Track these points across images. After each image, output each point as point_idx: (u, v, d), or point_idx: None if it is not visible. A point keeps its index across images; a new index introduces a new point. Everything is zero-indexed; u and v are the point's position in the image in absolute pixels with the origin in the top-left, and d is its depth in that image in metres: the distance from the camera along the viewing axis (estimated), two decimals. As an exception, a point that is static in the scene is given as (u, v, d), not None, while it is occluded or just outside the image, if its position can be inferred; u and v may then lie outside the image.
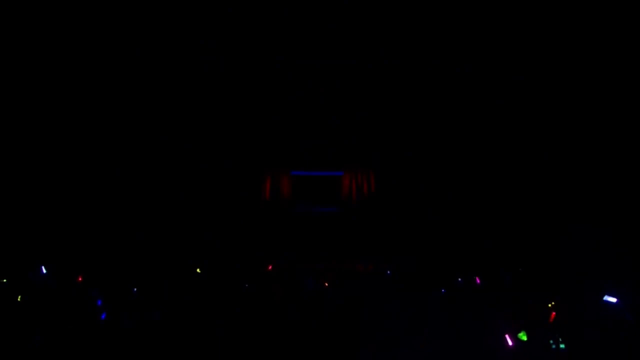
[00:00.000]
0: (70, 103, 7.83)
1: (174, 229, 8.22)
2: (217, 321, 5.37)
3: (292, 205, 8.91)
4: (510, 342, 4.40)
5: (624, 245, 6.33)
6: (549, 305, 4.95)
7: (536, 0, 6.75)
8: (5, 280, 5.73)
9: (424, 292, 5.97)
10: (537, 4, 6.76)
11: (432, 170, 8.54)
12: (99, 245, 7.65)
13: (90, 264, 6.94)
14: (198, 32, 7.34)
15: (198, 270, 6.98)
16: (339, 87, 8.27)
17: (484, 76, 7.77)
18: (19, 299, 5.25)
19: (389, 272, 7.51)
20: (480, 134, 8.28)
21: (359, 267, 8.12)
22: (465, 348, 4.61)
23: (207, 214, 8.47)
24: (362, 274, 7.95)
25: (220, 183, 8.65)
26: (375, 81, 8.14)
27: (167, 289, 6.05)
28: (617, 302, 4.49)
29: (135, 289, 5.95)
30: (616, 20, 6.58)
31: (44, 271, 5.95)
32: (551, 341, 4.37)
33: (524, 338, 4.46)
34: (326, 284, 6.97)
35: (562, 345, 4.33)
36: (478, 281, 6.40)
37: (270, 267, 7.79)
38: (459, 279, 6.61)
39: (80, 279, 6.20)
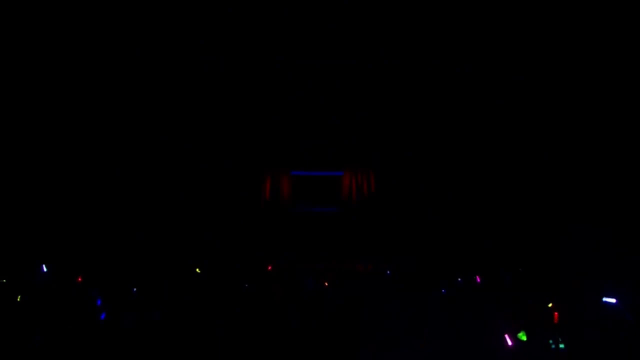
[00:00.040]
0: (70, 103, 7.83)
1: (174, 229, 8.22)
2: (217, 321, 5.37)
3: (292, 205, 8.91)
4: (509, 342, 4.40)
5: (624, 245, 6.33)
6: (549, 305, 4.95)
7: (536, 0, 6.75)
8: (5, 280, 5.73)
9: (424, 292, 5.97)
10: (537, 4, 6.76)
11: (432, 170, 8.54)
12: (99, 245, 7.66)
13: (90, 264, 6.95)
14: (198, 32, 7.33)
15: (197, 270, 6.99)
16: (339, 87, 8.26)
17: (484, 76, 7.77)
18: (18, 299, 5.25)
19: (388, 272, 7.51)
20: (480, 134, 8.28)
21: (359, 267, 8.13)
22: (465, 348, 4.61)
23: (207, 214, 8.46)
24: (362, 274, 7.95)
25: (220, 183, 8.65)
26: (375, 81, 8.13)
27: (167, 289, 6.05)
28: (616, 302, 4.49)
29: (135, 289, 5.95)
30: (616, 20, 6.57)
31: (45, 269, 5.95)
32: (551, 341, 4.37)
33: (524, 338, 4.46)
34: (326, 284, 6.98)
35: (561, 345, 4.33)
36: (478, 280, 6.40)
37: (269, 268, 7.79)
38: (459, 279, 6.62)
39: (80, 279, 6.20)
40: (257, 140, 8.78)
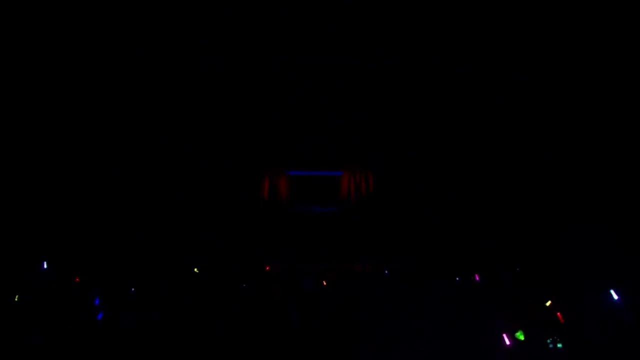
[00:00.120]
0: (70, 103, 7.83)
1: (174, 229, 8.22)
2: (217, 321, 5.37)
3: (292, 205, 8.91)
4: (507, 342, 4.41)
5: (624, 245, 6.33)
6: (546, 304, 4.95)
7: (536, 0, 6.74)
8: (4, 280, 5.73)
9: (424, 292, 5.97)
10: (537, 4, 6.75)
11: (432, 170, 8.54)
12: (99, 245, 7.65)
13: (90, 264, 6.95)
14: (198, 32, 7.33)
15: (195, 270, 6.99)
16: (339, 87, 8.26)
17: (484, 76, 7.77)
18: (16, 299, 5.25)
19: (386, 272, 7.51)
20: (480, 134, 8.27)
21: (359, 267, 8.13)
22: (464, 348, 4.61)
23: (207, 214, 8.46)
24: (362, 274, 7.95)
25: (220, 183, 8.64)
26: (375, 81, 8.13)
27: (167, 289, 6.05)
28: (618, 299, 4.49)
29: (133, 289, 5.95)
30: (616, 20, 6.57)
31: (45, 266, 5.95)
32: (549, 340, 4.37)
33: (522, 338, 4.47)
34: (325, 284, 6.98)
35: (559, 345, 4.34)
36: (477, 278, 6.40)
37: (267, 268, 7.79)
38: (457, 278, 6.62)
39: (77, 279, 6.20)
40: (257, 140, 8.78)
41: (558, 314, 4.83)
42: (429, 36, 7.36)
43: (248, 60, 7.83)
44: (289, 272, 7.69)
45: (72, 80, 7.66)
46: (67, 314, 5.11)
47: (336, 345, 5.24)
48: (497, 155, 8.21)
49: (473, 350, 4.58)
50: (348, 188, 8.87)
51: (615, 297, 4.51)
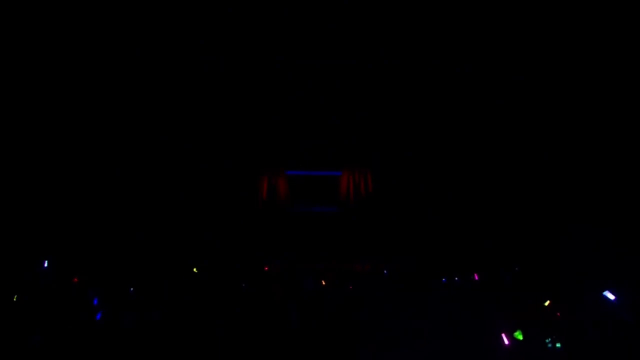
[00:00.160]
0: (70, 103, 7.83)
1: (174, 229, 8.22)
2: (217, 321, 5.37)
3: (291, 205, 8.91)
4: (506, 341, 4.41)
5: (624, 245, 6.33)
6: (545, 304, 4.95)
7: (536, 0, 6.74)
8: (4, 280, 5.73)
9: (424, 292, 5.97)
10: (537, 4, 6.75)
11: (432, 170, 8.54)
12: (99, 245, 7.65)
13: (90, 264, 6.95)
14: (198, 32, 7.33)
15: (195, 270, 6.99)
16: (339, 87, 8.26)
17: (484, 76, 7.76)
18: (15, 299, 5.25)
19: (385, 272, 7.51)
20: (480, 134, 8.27)
21: (358, 267, 8.13)
22: (464, 348, 4.61)
23: (207, 214, 8.46)
24: (362, 274, 7.95)
25: (221, 183, 8.64)
26: (375, 81, 8.13)
27: (167, 289, 6.05)
28: (615, 299, 4.49)
29: (132, 289, 5.95)
30: (616, 20, 6.57)
31: (46, 265, 5.95)
32: (547, 340, 4.38)
33: (520, 337, 4.47)
34: (324, 283, 6.98)
35: (558, 345, 4.34)
36: (476, 277, 6.41)
37: (266, 268, 7.79)
38: (456, 278, 6.62)
39: (75, 279, 6.20)
40: (257, 140, 8.78)
41: (557, 314, 4.83)
42: (429, 36, 7.35)
43: (248, 60, 7.82)
44: (289, 272, 7.69)
45: (72, 80, 7.65)
46: (67, 313, 5.11)
47: (336, 345, 5.24)
48: (497, 155, 8.21)
49: (472, 350, 4.58)
50: (347, 188, 8.87)
51: (612, 297, 4.51)
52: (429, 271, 7.19)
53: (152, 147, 8.39)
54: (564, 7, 6.70)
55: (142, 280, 6.30)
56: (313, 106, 8.55)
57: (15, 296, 5.26)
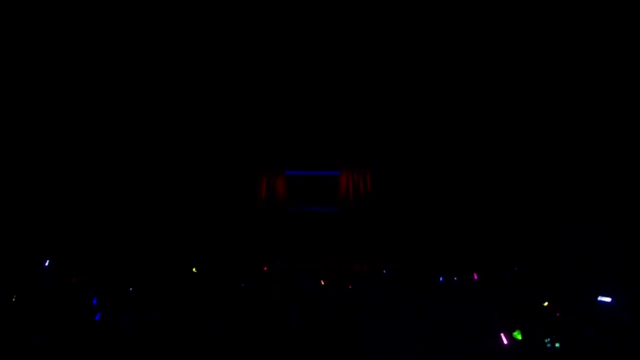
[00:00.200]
0: (70, 103, 7.83)
1: (173, 229, 8.22)
2: (216, 321, 5.37)
3: (291, 205, 8.92)
4: (505, 341, 4.41)
5: (624, 245, 6.33)
6: (544, 304, 4.95)
7: (536, 0, 6.74)
8: (4, 280, 5.73)
9: (423, 292, 5.97)
10: (537, 4, 6.75)
11: (431, 170, 8.54)
12: (99, 245, 7.66)
13: (90, 264, 6.95)
14: (198, 32, 7.34)
15: (194, 270, 6.99)
16: (338, 87, 8.27)
17: (484, 76, 7.77)
18: (15, 299, 5.25)
19: (384, 271, 7.51)
20: (479, 134, 8.27)
21: (358, 267, 8.13)
22: (464, 347, 4.61)
23: (207, 214, 8.47)
24: (361, 274, 7.95)
25: (221, 183, 8.65)
26: (375, 81, 8.13)
27: (166, 289, 6.05)
28: (611, 302, 4.49)
29: (132, 289, 5.95)
30: (616, 20, 6.57)
31: (46, 265, 5.95)
32: (547, 340, 4.38)
33: (519, 337, 4.47)
34: (323, 283, 6.98)
35: (557, 345, 4.34)
36: (476, 277, 6.41)
37: (265, 268, 7.79)
38: (455, 278, 6.62)
39: (74, 280, 6.20)
40: (257, 140, 8.79)
41: (557, 314, 4.83)
42: (429, 36, 7.36)
43: (248, 60, 7.83)
44: (289, 272, 7.69)
45: (72, 80, 7.66)
46: (67, 313, 5.11)
47: (336, 345, 5.23)
48: (497, 155, 8.21)
49: (472, 349, 4.58)
50: (347, 188, 8.87)
51: (607, 300, 4.50)
52: (429, 271, 7.19)
53: (152, 147, 8.40)
54: (563, 7, 6.70)
55: (141, 280, 6.30)
56: (313, 106, 8.56)
57: (15, 296, 5.25)
